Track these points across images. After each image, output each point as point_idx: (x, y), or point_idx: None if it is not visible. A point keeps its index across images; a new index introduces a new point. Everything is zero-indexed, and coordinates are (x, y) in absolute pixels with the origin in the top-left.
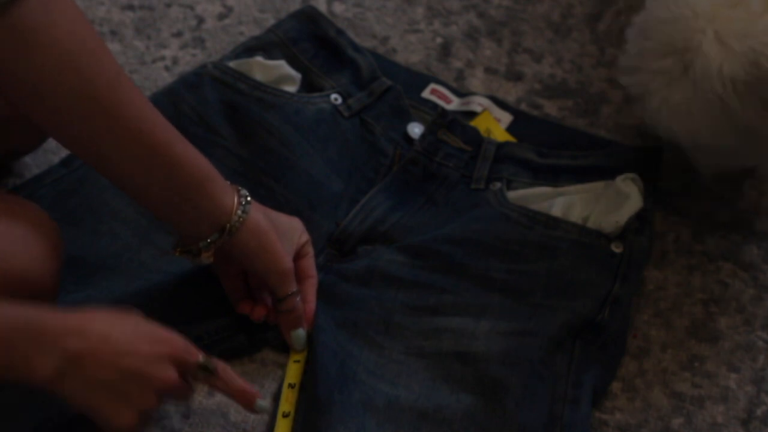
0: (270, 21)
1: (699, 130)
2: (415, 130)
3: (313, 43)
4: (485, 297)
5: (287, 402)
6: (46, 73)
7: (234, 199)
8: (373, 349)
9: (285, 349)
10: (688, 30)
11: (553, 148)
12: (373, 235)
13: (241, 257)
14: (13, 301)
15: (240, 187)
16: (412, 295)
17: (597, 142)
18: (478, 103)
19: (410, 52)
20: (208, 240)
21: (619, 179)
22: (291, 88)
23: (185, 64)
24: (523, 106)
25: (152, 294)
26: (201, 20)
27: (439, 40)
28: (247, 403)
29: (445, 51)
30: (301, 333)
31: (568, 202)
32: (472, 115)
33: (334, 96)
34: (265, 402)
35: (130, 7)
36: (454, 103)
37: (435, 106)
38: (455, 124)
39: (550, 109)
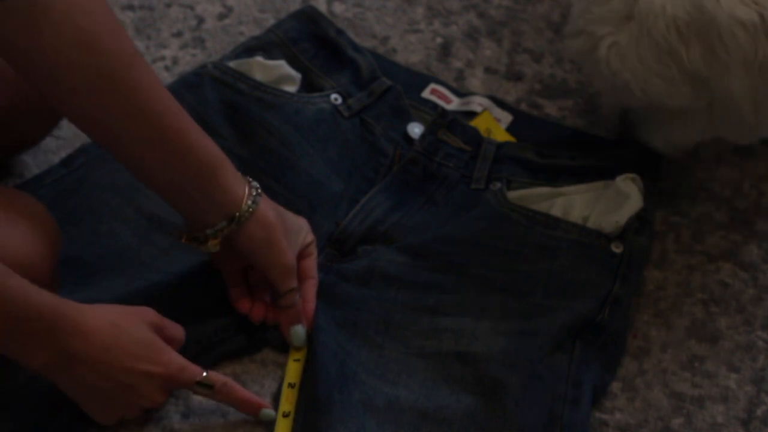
0: (270, 21)
1: (650, 77)
2: (415, 130)
3: (313, 43)
4: (485, 297)
5: (287, 402)
6: (60, 53)
7: (245, 189)
8: (373, 349)
9: (285, 348)
10: None
11: (553, 148)
12: (373, 235)
13: (246, 248)
14: (23, 287)
15: (251, 179)
16: (412, 295)
17: (597, 142)
18: (478, 103)
19: (410, 52)
20: (216, 228)
21: (619, 179)
22: (291, 88)
23: (185, 64)
24: (523, 106)
25: (152, 294)
26: (201, 20)
27: (439, 40)
28: (253, 413)
29: (445, 51)
30: (299, 329)
31: (568, 202)
32: (472, 115)
33: (334, 96)
34: (271, 411)
35: (130, 7)
36: (454, 103)
37: (435, 106)
38: (455, 124)
39: (550, 109)
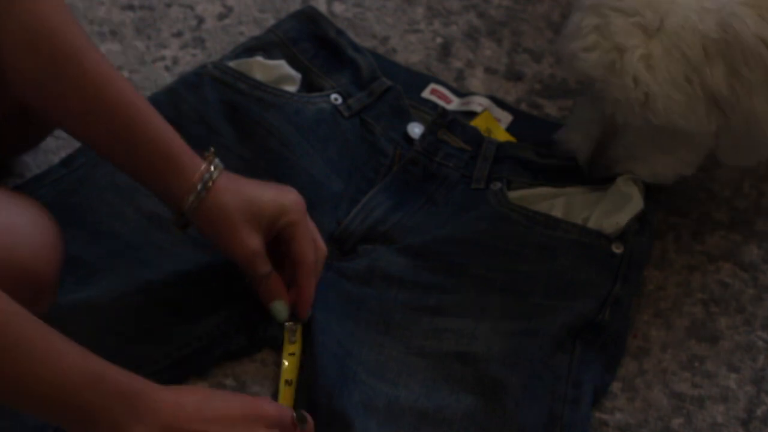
0: (270, 21)
1: (674, 93)
2: (415, 130)
3: (313, 43)
4: (485, 297)
5: (284, 401)
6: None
7: (193, 180)
8: (373, 349)
9: None
10: None
11: (553, 148)
12: (374, 235)
13: (207, 233)
14: (110, 366)
15: (213, 164)
16: (412, 295)
17: None
18: (478, 103)
19: (410, 52)
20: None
21: (620, 180)
22: (291, 88)
23: (185, 64)
24: (523, 106)
25: (152, 294)
26: (201, 20)
27: (439, 40)
28: None
29: (445, 51)
30: (278, 305)
31: (568, 202)
32: (472, 115)
33: (334, 96)
34: None
35: (130, 7)
36: (454, 103)
37: (435, 106)
38: (455, 124)
39: (550, 109)
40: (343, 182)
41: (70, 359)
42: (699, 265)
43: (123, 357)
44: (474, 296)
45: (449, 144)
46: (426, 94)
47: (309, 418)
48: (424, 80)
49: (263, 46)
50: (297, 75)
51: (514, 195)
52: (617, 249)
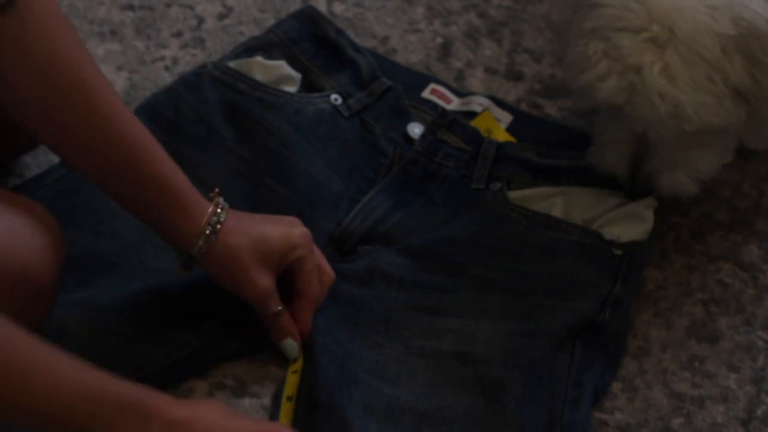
0: (270, 21)
1: (702, 96)
2: (415, 130)
3: (313, 43)
4: (485, 297)
5: (284, 416)
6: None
7: (201, 223)
8: (373, 349)
9: None
10: None
11: (553, 148)
12: (374, 235)
13: (215, 274)
14: (119, 379)
15: (219, 205)
16: (412, 295)
17: None
18: (478, 103)
19: (410, 52)
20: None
21: (642, 203)
22: (291, 88)
23: (185, 64)
24: (523, 106)
25: (152, 294)
26: (201, 20)
27: (439, 40)
28: None
29: (445, 51)
30: (290, 343)
31: (568, 203)
32: (472, 115)
33: (334, 96)
34: None
35: (130, 7)
36: (454, 103)
37: (435, 106)
38: (455, 124)
39: (550, 109)
40: (343, 182)
41: (68, 375)
42: (699, 265)
43: (123, 357)
44: (474, 296)
45: (449, 144)
46: (426, 94)
47: None
48: (424, 80)
49: (263, 46)
50: (297, 75)
51: (514, 195)
52: (617, 250)
